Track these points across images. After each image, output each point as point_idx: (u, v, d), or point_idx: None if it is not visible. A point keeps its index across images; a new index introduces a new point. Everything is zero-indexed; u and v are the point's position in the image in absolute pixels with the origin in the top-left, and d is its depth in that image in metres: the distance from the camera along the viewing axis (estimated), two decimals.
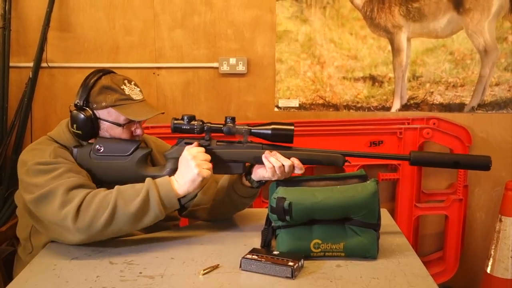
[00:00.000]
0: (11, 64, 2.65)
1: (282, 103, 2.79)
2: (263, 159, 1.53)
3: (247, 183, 1.63)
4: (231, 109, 2.78)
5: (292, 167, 1.52)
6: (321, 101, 2.78)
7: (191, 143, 1.56)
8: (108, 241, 1.54)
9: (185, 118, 1.55)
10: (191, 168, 1.47)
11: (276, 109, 2.79)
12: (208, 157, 1.53)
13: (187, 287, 1.31)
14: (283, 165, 1.51)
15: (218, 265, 1.42)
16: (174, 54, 2.74)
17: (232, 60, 2.71)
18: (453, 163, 1.55)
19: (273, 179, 1.54)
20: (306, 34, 2.71)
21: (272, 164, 1.51)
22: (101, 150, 1.58)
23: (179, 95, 2.78)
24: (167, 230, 1.72)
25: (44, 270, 1.41)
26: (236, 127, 1.55)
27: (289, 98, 2.78)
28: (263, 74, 2.76)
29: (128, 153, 1.58)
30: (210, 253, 1.51)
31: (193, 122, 1.55)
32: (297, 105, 2.79)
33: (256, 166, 1.59)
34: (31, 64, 2.63)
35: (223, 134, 1.56)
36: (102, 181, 1.57)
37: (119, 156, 1.58)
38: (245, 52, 2.73)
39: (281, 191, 1.45)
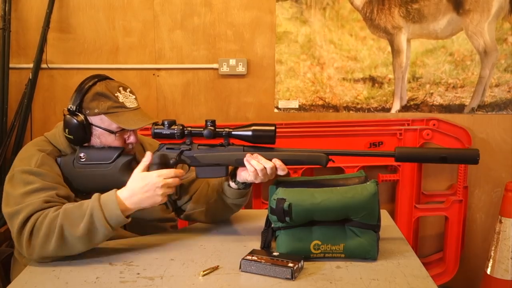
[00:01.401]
0: (11, 65, 2.65)
1: (282, 104, 2.79)
2: (245, 162, 1.52)
3: (234, 185, 1.62)
4: (231, 110, 2.78)
5: (275, 168, 1.50)
6: (321, 102, 2.78)
7: (172, 149, 1.55)
8: (107, 243, 1.54)
9: (165, 123, 1.53)
10: (156, 194, 1.46)
11: (276, 110, 2.79)
12: (177, 181, 1.51)
13: None
14: (265, 168, 1.49)
15: (218, 266, 1.42)
16: (173, 55, 2.74)
17: (232, 61, 2.71)
18: (439, 158, 1.50)
19: (256, 182, 1.53)
20: (306, 35, 2.71)
21: (253, 167, 1.50)
22: (84, 159, 1.57)
23: (179, 96, 2.78)
24: (167, 232, 1.72)
25: (44, 272, 1.41)
26: (217, 130, 1.53)
27: (289, 99, 2.78)
28: (263, 75, 2.76)
29: (110, 161, 1.56)
30: (209, 254, 1.51)
31: (173, 127, 1.53)
32: (297, 106, 2.79)
33: (240, 168, 1.57)
34: (31, 65, 2.63)
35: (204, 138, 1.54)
36: (86, 189, 1.55)
37: (102, 163, 1.56)
38: (244, 53, 2.73)
39: (281, 192, 1.45)
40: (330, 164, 1.54)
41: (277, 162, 1.50)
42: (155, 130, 1.54)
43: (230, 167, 1.60)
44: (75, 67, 2.73)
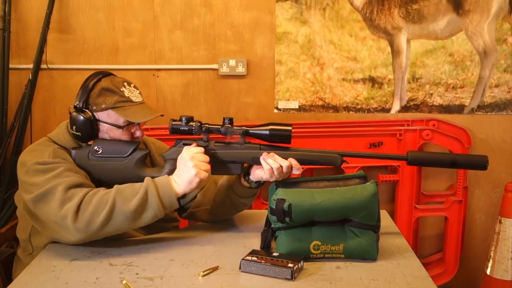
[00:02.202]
0: (10, 65, 2.65)
1: (281, 104, 2.79)
2: (261, 160, 1.53)
3: (245, 183, 1.63)
4: (231, 111, 2.78)
5: (290, 167, 1.52)
6: (320, 103, 2.78)
7: (189, 144, 1.56)
8: (107, 242, 1.54)
9: (183, 119, 1.55)
10: (188, 169, 1.48)
11: (275, 111, 2.79)
12: (207, 158, 1.53)
13: None
14: (281, 166, 1.51)
15: (218, 266, 1.42)
16: (173, 56, 2.75)
17: (232, 62, 2.71)
18: (450, 163, 1.55)
19: (271, 180, 1.54)
20: (305, 36, 2.71)
21: (270, 165, 1.51)
22: (100, 152, 1.58)
23: (179, 96, 2.78)
24: (167, 232, 1.72)
25: (44, 272, 1.41)
26: (234, 127, 1.55)
27: (288, 100, 2.78)
28: (263, 76, 2.76)
29: (126, 154, 1.58)
30: (209, 255, 1.51)
31: (191, 123, 1.55)
32: (297, 107, 2.79)
33: (254, 166, 1.59)
34: (30, 66, 2.63)
35: (221, 135, 1.56)
36: (101, 182, 1.56)
37: (117, 157, 1.58)
38: (244, 53, 2.73)
39: (280, 193, 1.45)
40: (348, 163, 1.57)
41: (293, 161, 1.53)
42: (173, 126, 1.55)
43: (245, 165, 1.61)
44: (75, 67, 2.73)
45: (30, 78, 2.62)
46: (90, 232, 1.44)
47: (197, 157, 1.50)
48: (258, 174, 1.58)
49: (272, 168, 1.51)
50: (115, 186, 1.48)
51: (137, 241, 1.61)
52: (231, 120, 1.56)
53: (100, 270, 1.41)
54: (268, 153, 1.54)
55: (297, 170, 1.53)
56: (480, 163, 1.54)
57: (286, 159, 1.53)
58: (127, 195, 1.46)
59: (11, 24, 2.64)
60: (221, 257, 1.49)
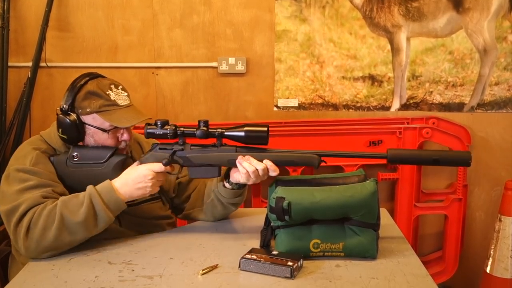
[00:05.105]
0: (9, 63, 2.65)
1: (281, 102, 2.79)
2: (237, 164, 1.52)
3: (228, 185, 1.63)
4: (230, 109, 2.78)
5: (266, 170, 1.51)
6: (320, 101, 2.78)
7: (165, 149, 1.56)
8: (106, 241, 1.55)
9: (158, 123, 1.53)
10: (146, 184, 1.51)
11: (275, 109, 2.79)
12: (165, 177, 1.58)
13: None
14: (257, 169, 1.50)
15: (217, 265, 1.42)
16: (173, 54, 2.74)
17: (231, 60, 2.71)
18: (432, 161, 1.50)
19: (249, 183, 1.54)
20: (305, 34, 2.71)
21: (245, 169, 1.50)
22: (77, 158, 1.58)
23: (178, 95, 2.78)
24: (165, 230, 1.72)
25: (43, 270, 1.40)
26: (209, 130, 1.53)
27: (288, 98, 2.78)
28: (262, 74, 2.76)
29: (103, 160, 1.57)
30: (209, 253, 1.50)
31: (166, 127, 1.53)
32: (296, 105, 2.78)
33: (233, 169, 1.58)
34: (30, 64, 2.63)
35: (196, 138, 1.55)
36: (79, 188, 1.55)
37: (95, 163, 1.57)
38: (244, 51, 2.73)
39: (280, 191, 1.45)
40: (326, 163, 1.54)
41: (268, 163, 1.51)
42: (148, 130, 1.54)
43: (223, 168, 1.60)
44: (74, 65, 2.72)
45: (29, 76, 2.61)
46: (41, 248, 1.44)
47: (158, 177, 1.53)
48: (236, 177, 1.57)
49: (247, 171, 1.50)
50: (60, 198, 1.48)
51: (136, 240, 1.61)
52: (206, 123, 1.54)
53: (99, 268, 1.41)
54: (244, 155, 1.52)
55: (273, 172, 1.52)
56: (463, 160, 1.50)
57: (262, 161, 1.51)
58: (72, 207, 1.46)
59: (10, 22, 2.63)
60: (221, 256, 1.48)
